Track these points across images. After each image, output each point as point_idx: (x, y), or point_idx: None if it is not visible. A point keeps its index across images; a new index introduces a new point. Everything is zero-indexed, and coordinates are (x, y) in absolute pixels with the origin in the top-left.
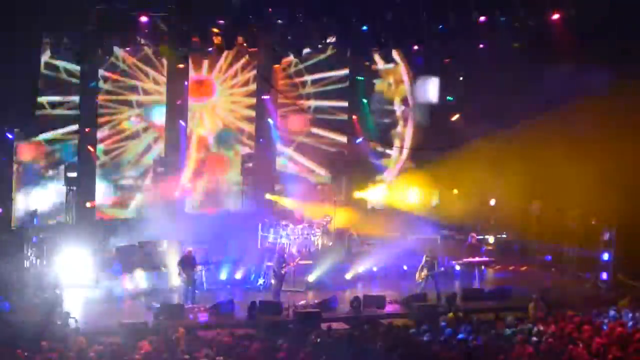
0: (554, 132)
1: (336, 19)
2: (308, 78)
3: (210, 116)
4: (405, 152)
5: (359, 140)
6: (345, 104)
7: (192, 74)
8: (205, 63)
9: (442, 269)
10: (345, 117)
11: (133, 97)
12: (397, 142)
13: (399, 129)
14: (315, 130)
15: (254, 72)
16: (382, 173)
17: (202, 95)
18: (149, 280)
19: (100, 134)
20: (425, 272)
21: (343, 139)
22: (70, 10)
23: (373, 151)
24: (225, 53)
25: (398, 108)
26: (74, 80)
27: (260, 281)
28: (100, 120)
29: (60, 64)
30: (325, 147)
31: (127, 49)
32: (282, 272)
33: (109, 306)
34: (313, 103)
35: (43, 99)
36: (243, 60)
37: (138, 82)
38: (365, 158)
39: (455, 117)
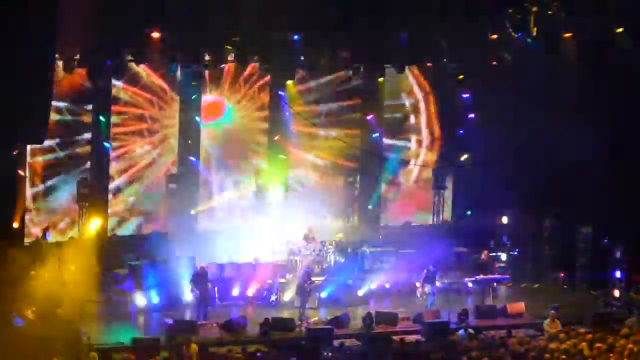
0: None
1: (350, 36)
2: (315, 82)
3: (223, 135)
4: (425, 141)
5: (376, 134)
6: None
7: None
8: (214, 80)
9: (441, 282)
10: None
11: (143, 126)
12: (413, 135)
13: (412, 120)
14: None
15: (263, 84)
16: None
17: (213, 115)
18: (162, 296)
19: (117, 165)
20: (428, 287)
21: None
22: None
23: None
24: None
25: (407, 101)
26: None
27: (273, 297)
28: (115, 153)
29: None
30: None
31: (124, 80)
32: (308, 288)
33: (121, 322)
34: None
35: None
36: (254, 76)
37: (144, 111)
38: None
39: (464, 157)
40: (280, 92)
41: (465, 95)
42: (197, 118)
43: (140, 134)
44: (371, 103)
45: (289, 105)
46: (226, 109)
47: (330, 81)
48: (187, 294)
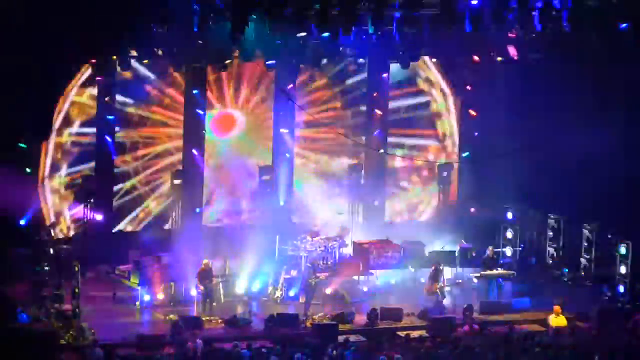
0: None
1: (354, 32)
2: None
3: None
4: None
5: (376, 132)
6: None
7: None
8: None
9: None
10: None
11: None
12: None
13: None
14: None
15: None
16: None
17: (227, 130)
18: (167, 293)
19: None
20: (439, 284)
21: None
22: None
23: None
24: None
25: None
26: None
27: (278, 293)
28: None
29: None
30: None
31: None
32: (313, 284)
33: (126, 318)
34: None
35: None
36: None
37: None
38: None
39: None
40: (284, 88)
41: (468, 88)
42: (201, 113)
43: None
44: (376, 97)
45: (293, 100)
46: (238, 121)
47: (334, 77)
48: (192, 290)
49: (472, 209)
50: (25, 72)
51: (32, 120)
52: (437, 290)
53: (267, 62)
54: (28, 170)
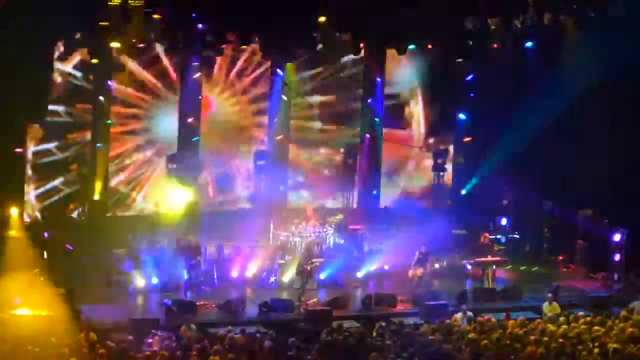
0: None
1: (350, 16)
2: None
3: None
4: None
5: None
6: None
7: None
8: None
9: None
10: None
11: (137, 126)
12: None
13: (412, 108)
14: (323, 126)
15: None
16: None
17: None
18: (161, 277)
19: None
20: (420, 270)
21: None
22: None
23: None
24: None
25: (406, 89)
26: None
27: (272, 279)
28: (112, 154)
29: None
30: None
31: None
32: (308, 269)
33: (120, 303)
34: (319, 98)
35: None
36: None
37: (138, 109)
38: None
39: (467, 140)
40: (278, 71)
41: (468, 77)
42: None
43: (136, 132)
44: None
45: (287, 84)
46: (214, 103)
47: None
48: (185, 274)
49: (464, 191)
50: (19, 52)
51: (28, 100)
52: (420, 276)
53: (262, 46)
54: (19, 150)
